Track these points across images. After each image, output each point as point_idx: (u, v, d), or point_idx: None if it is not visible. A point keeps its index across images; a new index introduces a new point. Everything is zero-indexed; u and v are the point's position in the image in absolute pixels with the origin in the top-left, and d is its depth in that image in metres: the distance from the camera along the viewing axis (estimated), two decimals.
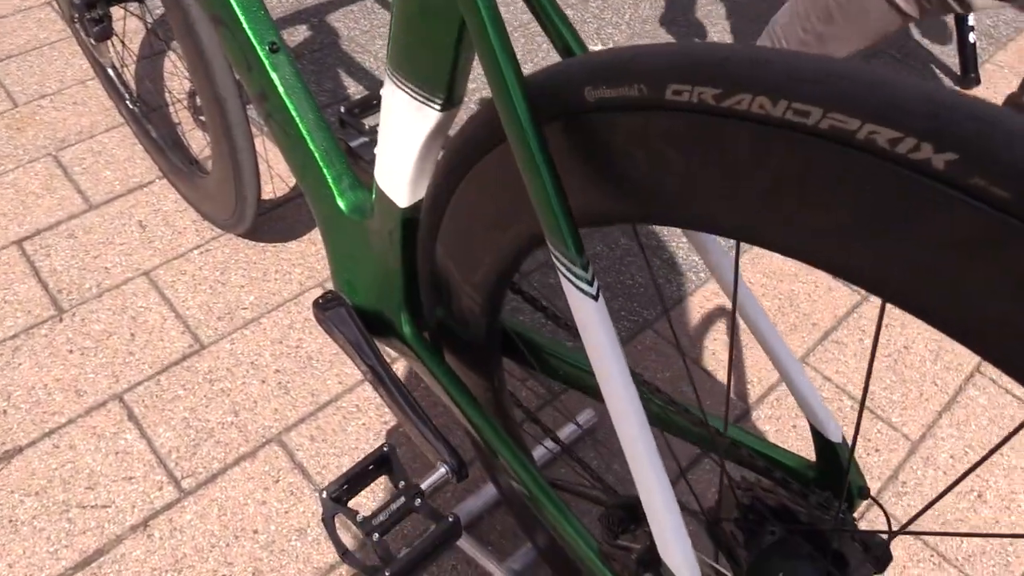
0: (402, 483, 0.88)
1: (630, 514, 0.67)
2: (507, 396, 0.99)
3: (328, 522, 0.86)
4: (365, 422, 1.34)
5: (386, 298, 0.93)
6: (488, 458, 1.02)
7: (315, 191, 0.99)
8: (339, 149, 0.98)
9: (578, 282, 0.55)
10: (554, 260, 0.56)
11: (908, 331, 1.60)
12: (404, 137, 0.74)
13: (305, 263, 1.56)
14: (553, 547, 1.05)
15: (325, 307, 0.97)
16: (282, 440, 1.30)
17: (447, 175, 0.70)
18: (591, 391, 0.88)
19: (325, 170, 0.97)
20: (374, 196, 0.85)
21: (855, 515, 0.67)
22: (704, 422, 0.72)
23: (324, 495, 0.87)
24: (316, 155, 0.96)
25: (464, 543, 1.19)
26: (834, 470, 0.73)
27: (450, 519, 0.86)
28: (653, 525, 0.60)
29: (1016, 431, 0.44)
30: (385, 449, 0.90)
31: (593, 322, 0.55)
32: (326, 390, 1.37)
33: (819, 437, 0.72)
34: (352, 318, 0.96)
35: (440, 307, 0.86)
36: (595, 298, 0.55)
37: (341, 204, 0.96)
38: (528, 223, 0.63)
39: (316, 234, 1.61)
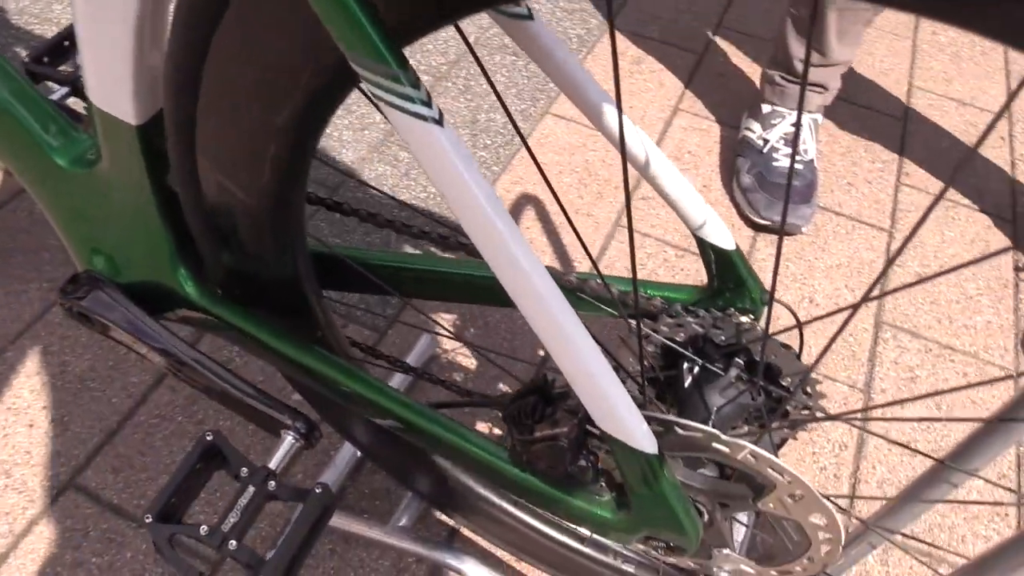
0: (244, 470, 0.70)
1: (542, 397, 0.55)
2: (341, 334, 0.82)
3: (164, 549, 0.67)
4: (174, 428, 1.12)
5: (151, 257, 0.73)
6: (343, 407, 0.86)
7: (18, 155, 0.74)
8: (34, 91, 0.74)
9: (411, 106, 0.40)
10: (371, 91, 0.41)
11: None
12: (110, 26, 0.54)
13: (41, 271, 1.27)
14: (439, 484, 0.91)
15: (75, 294, 0.75)
16: (78, 484, 1.05)
17: (184, 58, 0.52)
18: (448, 288, 0.74)
19: (21, 122, 0.73)
20: (97, 129, 0.64)
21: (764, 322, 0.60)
22: (606, 284, 0.62)
23: (149, 519, 0.67)
24: (3, 107, 0.72)
25: (337, 519, 1.02)
26: (732, 282, 0.65)
27: (318, 490, 0.70)
28: (582, 393, 0.48)
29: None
30: (209, 438, 0.71)
31: (444, 154, 0.41)
32: (114, 410, 1.13)
33: (712, 250, 0.64)
34: (117, 297, 0.75)
35: (225, 249, 0.67)
36: (439, 122, 0.41)
37: (57, 159, 0.72)
38: (314, 66, 0.47)
39: (47, 232, 1.32)
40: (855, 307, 0.42)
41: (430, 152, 0.41)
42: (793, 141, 1.45)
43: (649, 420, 0.51)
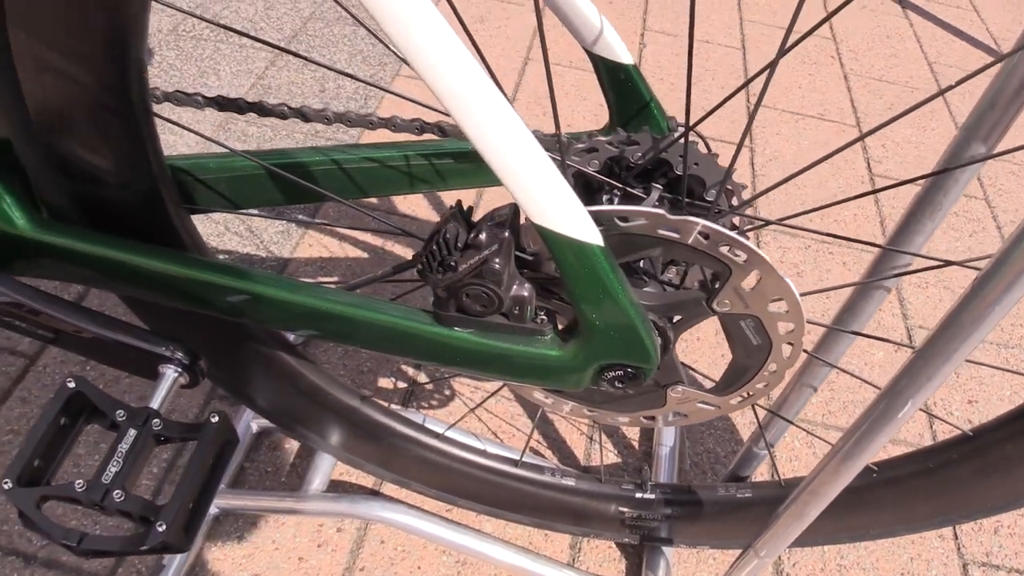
0: (120, 413, 0.59)
1: (462, 220, 0.48)
2: (209, 253, 0.72)
3: (33, 515, 0.55)
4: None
5: None
6: (229, 346, 0.74)
7: None
8: None
9: None
10: None
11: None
12: None
13: None
14: (348, 429, 0.82)
15: None
16: None
17: None
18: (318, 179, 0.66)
19: None
20: None
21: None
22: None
23: (7, 484, 0.55)
24: None
25: (242, 499, 0.91)
26: (635, 105, 0.61)
27: (214, 419, 0.59)
28: (516, 183, 0.42)
29: None
30: (72, 385, 0.59)
31: None
32: None
33: (609, 69, 0.59)
34: None
35: (64, 159, 0.55)
36: None
37: None
38: None
39: None
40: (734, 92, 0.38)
41: None
42: None
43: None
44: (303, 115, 0.64)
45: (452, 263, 0.48)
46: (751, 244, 0.47)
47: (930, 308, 1.32)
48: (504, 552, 0.87)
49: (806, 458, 1.09)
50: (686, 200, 0.56)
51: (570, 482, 0.86)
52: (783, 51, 0.41)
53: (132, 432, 0.58)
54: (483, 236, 0.47)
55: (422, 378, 1.10)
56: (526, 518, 0.91)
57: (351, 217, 1.28)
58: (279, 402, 0.79)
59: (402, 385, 1.09)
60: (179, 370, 0.63)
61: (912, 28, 1.99)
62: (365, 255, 1.24)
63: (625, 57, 0.58)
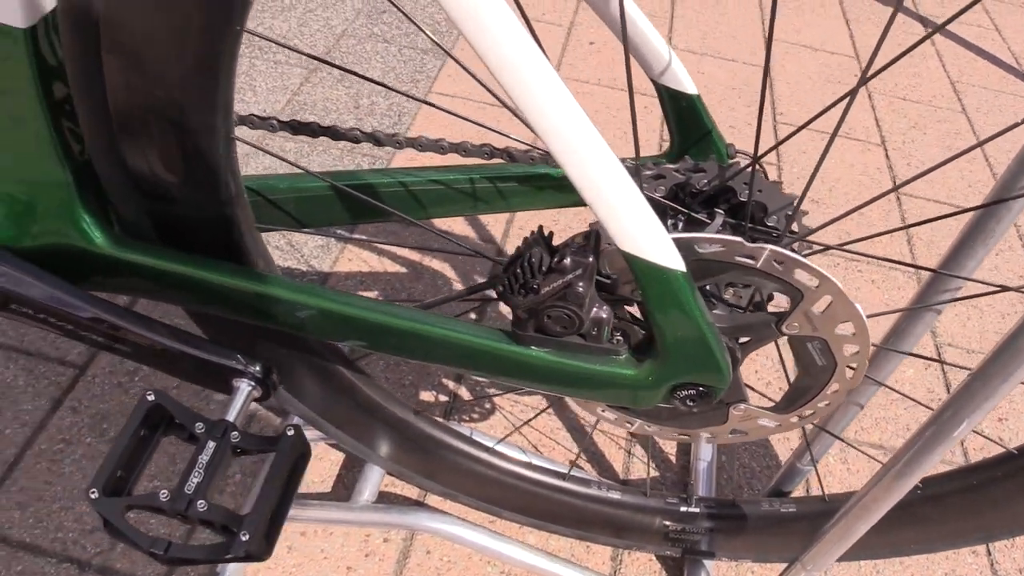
0: (199, 426, 0.61)
1: (544, 247, 0.50)
2: (277, 269, 0.74)
3: (120, 524, 0.57)
4: (84, 451, 0.98)
5: (45, 209, 0.60)
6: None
7: None
8: None
9: None
10: None
11: None
12: None
13: None
14: (402, 443, 0.84)
15: None
16: None
17: None
18: (389, 200, 0.68)
19: None
20: None
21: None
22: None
23: (94, 494, 0.57)
24: None
25: (292, 509, 0.92)
26: (696, 134, 0.63)
27: (290, 432, 0.61)
28: (604, 209, 0.44)
29: None
30: (151, 398, 0.61)
31: None
32: (8, 442, 0.98)
33: (673, 98, 0.61)
34: (12, 260, 0.64)
35: (144, 179, 0.57)
36: None
37: None
38: None
39: None
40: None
41: None
42: None
43: None
44: (376, 140, 0.66)
45: (535, 286, 0.50)
46: (824, 271, 0.49)
47: (958, 326, 1.34)
48: (551, 564, 0.89)
49: (840, 473, 1.11)
50: (749, 225, 0.58)
51: (616, 495, 0.88)
52: (864, 80, 0.43)
53: (212, 444, 0.60)
54: (567, 261, 0.49)
55: (463, 392, 1.12)
56: (570, 530, 0.92)
57: (388, 233, 1.30)
58: (337, 415, 0.81)
59: (443, 399, 1.11)
60: (253, 383, 0.65)
61: (934, 47, 2.01)
62: (404, 270, 1.26)
63: (690, 88, 0.60)
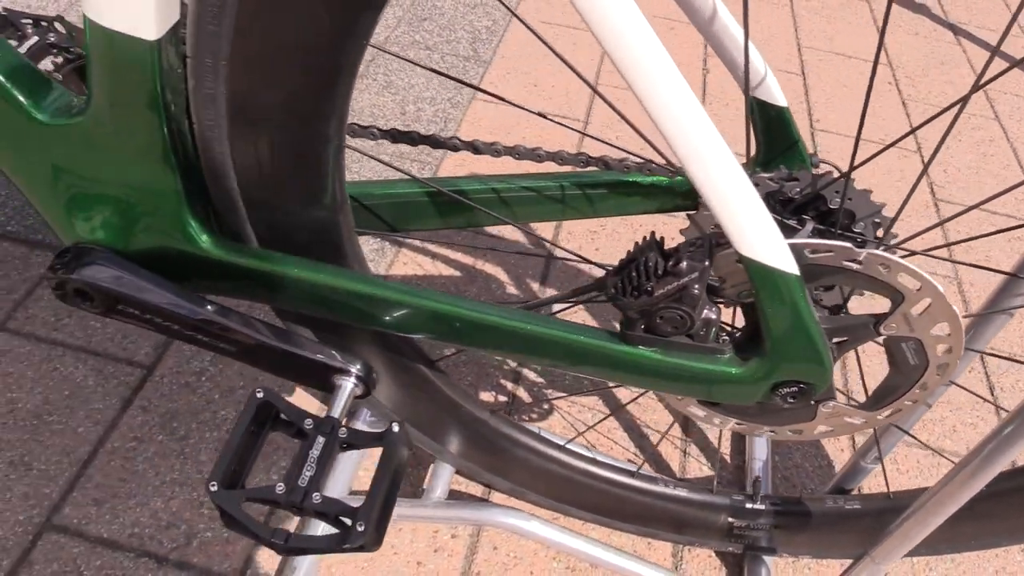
0: (308, 422, 0.64)
1: (658, 251, 0.53)
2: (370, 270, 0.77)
3: (238, 515, 0.59)
4: (156, 449, 1.01)
5: (155, 213, 0.63)
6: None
7: None
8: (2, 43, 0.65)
9: None
10: None
11: None
12: None
13: None
14: (473, 440, 0.86)
15: (73, 264, 0.66)
16: (56, 524, 0.93)
17: None
18: (489, 205, 0.70)
19: None
20: (92, 62, 0.57)
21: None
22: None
23: (214, 487, 0.60)
24: None
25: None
26: (783, 144, 0.65)
27: (395, 427, 0.64)
28: (726, 213, 0.46)
29: None
30: (260, 395, 0.64)
31: None
32: (82, 440, 1.01)
33: (764, 110, 0.63)
34: (123, 263, 0.66)
35: (253, 183, 0.60)
36: None
37: (38, 114, 0.64)
38: None
39: None
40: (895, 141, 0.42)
41: None
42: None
43: None
44: (474, 148, 0.69)
45: (649, 288, 0.52)
46: (927, 275, 0.51)
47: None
48: (621, 559, 0.91)
49: (888, 472, 1.13)
50: (838, 231, 0.60)
51: (683, 492, 0.90)
52: (977, 87, 0.46)
53: (321, 439, 0.63)
54: (684, 264, 0.51)
55: (521, 393, 1.15)
56: (634, 526, 0.95)
57: (442, 235, 1.33)
58: (416, 414, 0.84)
59: (502, 399, 1.13)
60: (355, 382, 0.68)
61: (965, 54, 2.03)
62: (457, 273, 1.29)
63: (780, 100, 0.63)
